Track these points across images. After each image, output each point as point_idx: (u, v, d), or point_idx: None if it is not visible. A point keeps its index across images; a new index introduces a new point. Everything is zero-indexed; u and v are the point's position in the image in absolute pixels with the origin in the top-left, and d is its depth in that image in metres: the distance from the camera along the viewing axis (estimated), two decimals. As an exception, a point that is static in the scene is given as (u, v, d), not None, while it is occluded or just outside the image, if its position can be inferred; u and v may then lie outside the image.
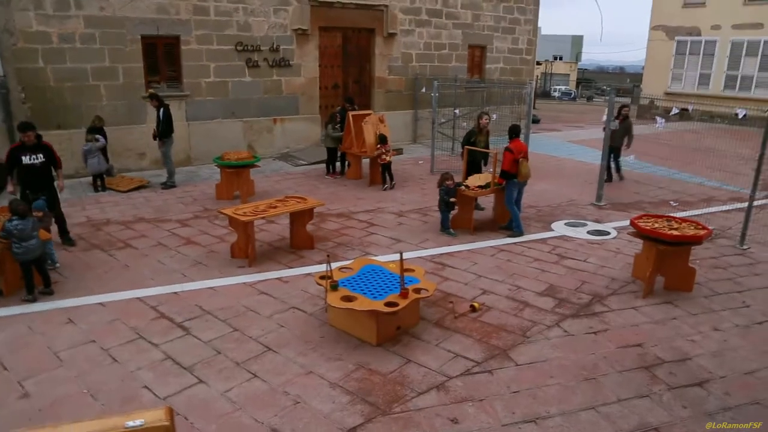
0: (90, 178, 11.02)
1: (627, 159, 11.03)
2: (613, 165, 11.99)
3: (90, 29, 11.46)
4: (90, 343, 5.28)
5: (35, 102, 11.18)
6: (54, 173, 7.59)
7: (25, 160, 7.21)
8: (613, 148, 11.47)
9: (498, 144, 11.51)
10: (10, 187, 7.45)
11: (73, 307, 5.99)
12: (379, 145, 11.10)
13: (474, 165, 9.58)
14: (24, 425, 4.10)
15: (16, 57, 10.87)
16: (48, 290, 6.24)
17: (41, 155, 7.27)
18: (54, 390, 4.55)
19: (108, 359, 5.01)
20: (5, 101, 10.95)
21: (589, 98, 47.62)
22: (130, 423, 2.31)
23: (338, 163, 12.56)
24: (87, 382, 4.66)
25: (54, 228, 7.53)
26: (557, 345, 5.29)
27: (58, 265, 7.04)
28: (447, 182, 8.29)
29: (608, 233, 8.62)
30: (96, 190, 10.81)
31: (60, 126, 11.43)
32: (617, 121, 11.48)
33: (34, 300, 6.06)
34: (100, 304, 6.08)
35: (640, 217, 6.85)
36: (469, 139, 9.79)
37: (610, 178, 11.63)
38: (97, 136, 10.71)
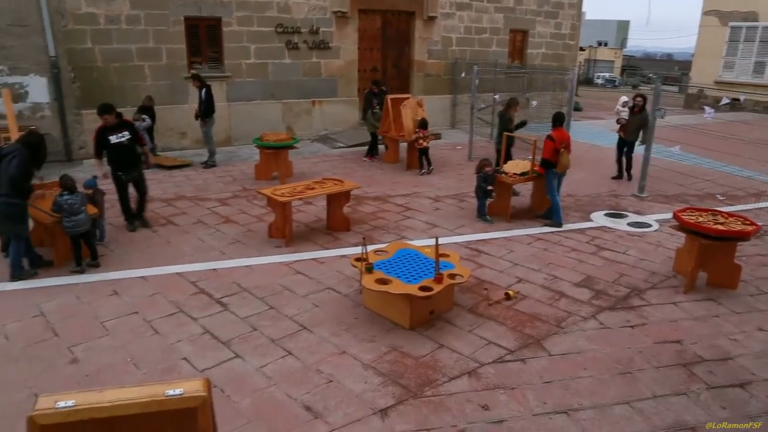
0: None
1: (671, 150, 10.69)
2: (624, 161, 11.21)
3: (135, 11, 11.69)
4: (133, 314, 5.47)
5: (83, 82, 11.50)
6: (139, 150, 7.65)
7: (113, 139, 7.20)
8: (626, 142, 10.99)
9: (538, 131, 11.37)
10: (98, 171, 7.53)
11: (117, 280, 6.21)
12: (417, 130, 11.08)
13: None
14: (72, 389, 4.27)
15: (66, 38, 11.18)
16: (95, 262, 6.47)
17: (126, 133, 7.28)
18: (100, 357, 4.74)
19: (150, 331, 5.18)
20: (56, 81, 11.28)
21: (635, 86, 46.32)
22: (170, 392, 2.39)
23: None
24: (130, 351, 4.83)
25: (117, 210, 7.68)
26: (592, 337, 5.24)
27: (105, 239, 7.28)
28: (486, 168, 8.23)
29: (649, 225, 8.44)
30: (140, 167, 11.09)
31: (106, 104, 11.71)
32: (626, 110, 11.09)
33: (81, 271, 6.30)
34: (142, 277, 6.28)
35: (684, 210, 6.68)
36: (507, 126, 9.68)
37: (620, 175, 11.17)
38: (144, 116, 10.95)
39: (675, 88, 32.61)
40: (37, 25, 10.90)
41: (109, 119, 7.18)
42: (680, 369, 4.77)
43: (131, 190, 7.76)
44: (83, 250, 6.40)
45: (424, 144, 11.08)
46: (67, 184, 6.22)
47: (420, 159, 11.30)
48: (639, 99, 10.68)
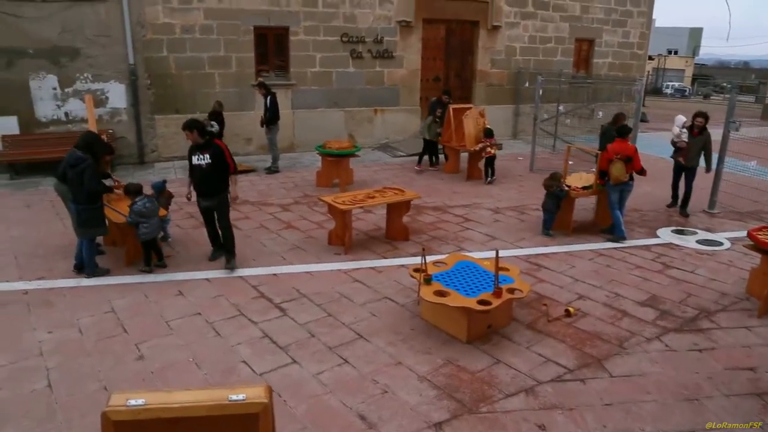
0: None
1: (748, 165, 10.17)
2: (682, 191, 9.60)
3: (209, 21, 12.16)
4: (196, 315, 5.67)
5: (158, 88, 12.06)
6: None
7: (194, 160, 6.53)
8: (685, 169, 9.39)
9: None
10: (187, 191, 6.91)
11: (182, 281, 6.45)
12: (484, 139, 11.04)
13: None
14: (138, 385, 4.50)
15: (144, 47, 11.78)
16: (161, 263, 6.76)
17: (207, 156, 6.43)
18: (164, 355, 4.93)
19: (212, 332, 5.36)
20: (134, 87, 11.88)
21: (706, 95, 44.43)
22: (233, 396, 2.48)
23: (427, 157, 12.43)
24: (193, 351, 5.01)
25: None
26: (656, 359, 5.05)
27: (170, 239, 7.59)
28: (560, 182, 8.11)
29: (720, 244, 8.08)
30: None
31: (178, 111, 12.25)
32: (685, 132, 9.41)
33: (150, 271, 6.59)
34: (206, 279, 6.50)
35: (760, 229, 6.35)
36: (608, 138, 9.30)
37: (674, 203, 9.72)
38: (212, 122, 11.35)
39: (752, 98, 31.09)
40: (119, 35, 11.53)
41: (190, 136, 6.49)
42: (753, 399, 4.52)
43: None
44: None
45: (492, 152, 11.02)
46: (134, 189, 6.55)
47: (486, 168, 11.24)
48: (700, 119, 9.06)
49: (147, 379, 4.58)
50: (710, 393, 4.57)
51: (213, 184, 6.57)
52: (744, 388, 4.66)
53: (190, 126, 6.45)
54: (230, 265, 6.75)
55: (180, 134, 12.21)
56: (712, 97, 42.64)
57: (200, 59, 12.31)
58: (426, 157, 12.42)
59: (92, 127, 8.46)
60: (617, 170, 7.79)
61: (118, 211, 6.89)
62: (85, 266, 6.45)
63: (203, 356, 4.94)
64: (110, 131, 11.67)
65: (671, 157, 9.76)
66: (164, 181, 7.63)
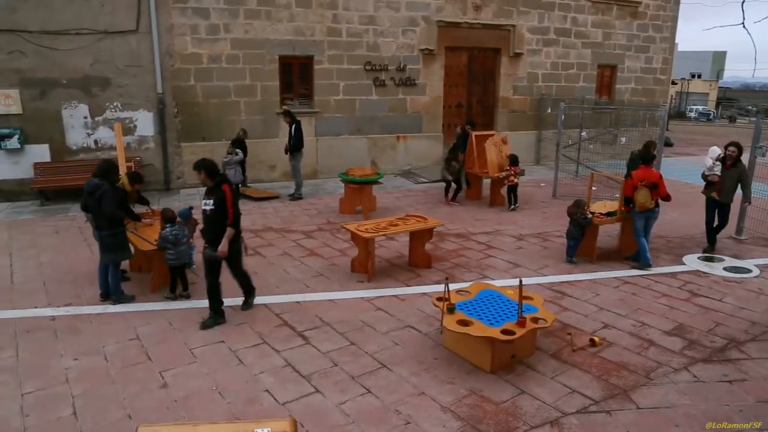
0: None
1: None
2: (717, 227, 8.76)
3: (235, 50, 12.46)
4: (220, 343, 5.71)
5: (185, 116, 12.33)
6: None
7: (202, 204, 6.11)
8: (719, 205, 8.57)
9: (625, 168, 10.97)
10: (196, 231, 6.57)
11: (206, 308, 6.46)
12: (509, 167, 11.03)
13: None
14: (162, 413, 4.53)
15: (173, 76, 12.10)
16: (186, 293, 6.82)
17: (212, 201, 5.90)
18: (188, 383, 4.97)
19: (235, 360, 5.38)
20: (161, 115, 12.17)
21: (731, 119, 43.85)
22: (259, 430, 2.49)
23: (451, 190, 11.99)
24: (216, 379, 5.04)
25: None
26: (685, 391, 4.94)
27: (194, 266, 7.66)
28: (584, 210, 8.06)
29: (749, 271, 7.91)
30: (231, 198, 11.64)
31: (204, 138, 12.51)
32: (718, 164, 8.70)
33: (175, 299, 6.67)
34: (230, 307, 6.54)
35: (789, 258, 6.23)
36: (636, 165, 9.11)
37: (712, 246, 8.74)
38: (237, 150, 11.56)
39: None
40: (149, 65, 11.87)
41: (199, 177, 6.05)
42: (786, 433, 4.40)
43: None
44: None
45: (515, 180, 11.01)
46: (169, 216, 6.63)
47: (509, 195, 11.21)
48: (732, 149, 8.34)
49: (171, 408, 4.61)
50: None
51: (217, 232, 5.94)
52: (777, 422, 4.53)
53: (198, 166, 6.00)
54: (248, 306, 6.52)
55: (206, 162, 12.51)
56: (736, 120, 42.10)
57: (226, 88, 12.58)
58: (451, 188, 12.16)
59: (120, 155, 8.66)
60: (642, 197, 7.71)
61: (143, 237, 7.01)
62: (110, 292, 6.55)
63: (226, 385, 4.96)
64: (138, 158, 11.93)
65: (703, 192, 8.87)
66: (191, 208, 7.74)
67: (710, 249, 8.70)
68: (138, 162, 11.84)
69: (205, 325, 6.03)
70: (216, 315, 6.15)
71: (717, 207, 8.64)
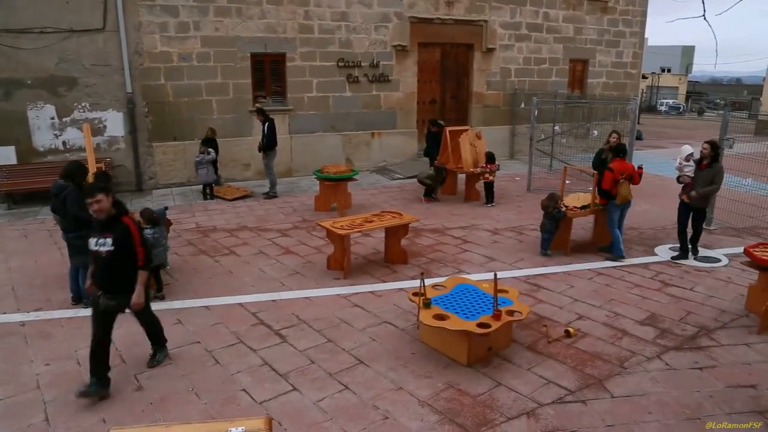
0: (200, 186, 11.78)
1: (743, 181, 10.19)
2: (691, 233, 8.18)
3: (206, 48, 12.30)
4: (195, 343, 5.64)
5: (156, 116, 12.15)
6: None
7: (91, 243, 4.66)
8: (692, 209, 7.98)
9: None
10: (88, 282, 4.91)
11: (181, 309, 6.43)
12: (485, 164, 11.08)
13: None
14: (138, 416, 4.46)
15: (142, 75, 11.89)
16: (160, 295, 6.71)
17: (109, 240, 4.57)
18: (163, 385, 4.90)
19: (211, 360, 5.33)
20: (131, 115, 11.97)
21: (700, 112, 44.74)
22: (233, 429, 2.47)
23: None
24: (192, 380, 4.98)
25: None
26: (657, 379, 5.03)
27: (168, 267, 7.57)
28: (558, 203, 8.13)
29: (718, 260, 8.09)
30: (205, 198, 11.53)
31: (176, 138, 12.35)
32: (691, 165, 8.33)
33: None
34: (205, 307, 6.48)
35: (756, 246, 6.38)
36: (600, 158, 9.43)
37: (684, 254, 8.12)
38: (209, 149, 11.43)
39: (744, 115, 31.31)
40: (117, 64, 11.66)
41: (95, 204, 4.52)
42: (756, 416, 4.50)
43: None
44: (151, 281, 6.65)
45: (491, 178, 11.07)
46: (151, 218, 6.51)
47: (487, 192, 11.27)
48: (705, 147, 7.74)
49: (146, 411, 4.55)
50: (712, 412, 4.55)
51: (116, 278, 4.67)
52: (746, 406, 4.64)
53: (96, 190, 4.56)
54: (156, 362, 5.20)
55: (178, 161, 12.40)
56: (705, 114, 42.96)
57: (197, 86, 12.42)
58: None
59: (90, 156, 8.49)
60: (625, 190, 7.84)
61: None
62: (82, 296, 6.43)
63: (203, 385, 4.90)
64: (108, 159, 11.73)
65: (679, 195, 8.24)
66: (166, 208, 7.64)
67: (682, 256, 8.11)
68: (109, 163, 11.64)
69: (84, 394, 4.56)
70: (99, 383, 4.64)
71: (690, 211, 8.03)
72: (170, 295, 6.76)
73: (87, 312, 6.23)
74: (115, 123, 11.98)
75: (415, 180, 12.45)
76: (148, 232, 6.41)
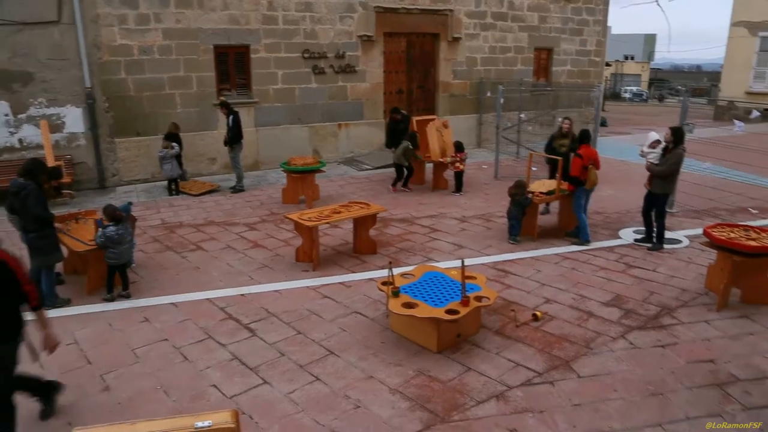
0: (165, 182, 11.59)
1: (702, 164, 10.46)
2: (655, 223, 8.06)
3: (167, 41, 12.05)
4: (163, 341, 5.56)
5: (117, 111, 11.87)
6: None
7: None
8: (654, 197, 7.91)
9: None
10: None
11: (148, 306, 6.33)
12: (455, 153, 11.12)
13: (554, 169, 9.26)
14: (105, 417, 4.39)
15: (101, 69, 11.58)
16: (126, 293, 6.58)
17: None
18: (131, 384, 4.82)
19: (179, 357, 5.26)
20: (91, 111, 11.66)
21: (660, 98, 45.67)
22: (199, 423, 2.44)
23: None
24: (160, 378, 4.91)
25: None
26: (622, 358, 5.15)
27: (134, 264, 7.44)
28: (525, 190, 8.22)
29: (679, 242, 8.29)
30: (170, 193, 11.34)
31: (139, 133, 12.09)
32: (655, 152, 8.18)
33: (113, 299, 6.44)
34: (172, 304, 6.39)
35: (715, 226, 6.56)
36: (551, 144, 9.62)
37: (649, 237, 8.15)
38: (173, 144, 11.23)
39: (704, 101, 32.06)
40: (74, 58, 11.32)
41: None
42: (714, 390, 4.66)
43: None
44: (116, 279, 6.54)
45: (461, 167, 11.12)
46: (114, 215, 6.35)
47: (457, 181, 11.33)
48: (667, 133, 7.76)
49: (114, 411, 4.48)
50: (674, 387, 4.68)
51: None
52: (705, 379, 4.79)
53: None
54: (47, 415, 4.38)
55: (141, 156, 12.19)
56: (666, 100, 43.85)
57: (160, 80, 12.17)
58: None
59: (48, 154, 8.29)
60: (594, 175, 8.00)
61: (76, 238, 6.74)
62: (44, 297, 6.27)
63: (172, 383, 4.85)
64: (68, 156, 11.44)
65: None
66: (130, 204, 7.49)
67: (647, 239, 8.18)
68: (69, 160, 11.35)
69: (46, 413, 4.36)
70: (48, 397, 4.36)
71: (651, 200, 7.98)
72: (136, 293, 6.65)
73: (50, 313, 6.10)
74: (74, 119, 11.67)
75: (383, 170, 12.46)
76: (111, 229, 6.28)
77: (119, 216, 6.37)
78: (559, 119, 13.32)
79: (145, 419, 2.53)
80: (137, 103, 12.04)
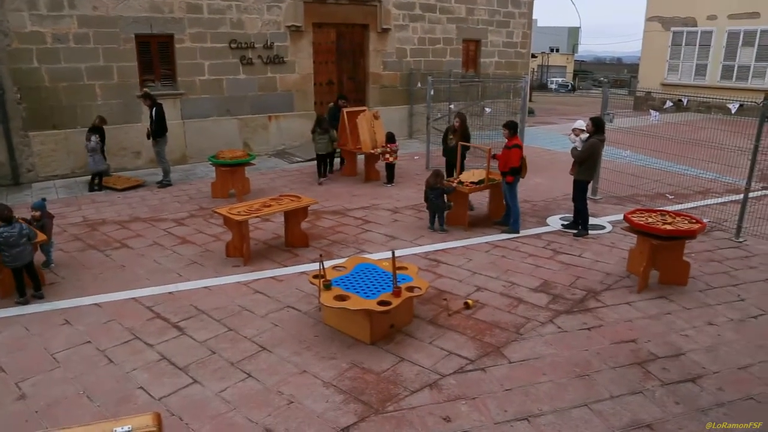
0: (87, 177, 11.04)
1: (623, 153, 10.92)
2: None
3: (84, 29, 11.43)
4: (86, 344, 5.31)
5: (30, 102, 11.17)
6: None
7: None
8: (575, 183, 8.25)
9: (493, 139, 11.55)
10: None
11: (69, 308, 6.02)
12: (385, 144, 11.12)
13: (449, 165, 10.01)
14: (20, 427, 4.14)
15: (10, 58, 10.85)
16: (39, 293, 6.22)
17: None
18: (50, 391, 4.58)
19: (104, 360, 5.04)
20: (1, 103, 10.92)
21: (573, 89, 47.55)
22: (118, 429, 2.33)
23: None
24: (83, 383, 4.69)
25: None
26: (550, 342, 5.32)
27: (53, 265, 7.06)
28: (443, 182, 8.31)
29: (603, 227, 8.64)
30: (92, 189, 10.80)
31: (55, 126, 11.44)
32: (575, 140, 8.49)
33: (26, 302, 6.08)
34: (96, 304, 6.11)
35: (634, 212, 6.87)
36: (445, 140, 10.19)
37: (574, 224, 8.47)
38: (92, 136, 10.69)
39: (624, 91, 33.54)
40: (-22, 46, 10.56)
41: None
42: (636, 368, 4.89)
43: None
44: (26, 280, 6.15)
45: (391, 159, 11.14)
46: (3, 215, 5.90)
47: (388, 172, 11.34)
48: (588, 123, 8.17)
49: (31, 420, 4.23)
50: (599, 367, 4.88)
51: None
52: (628, 359, 5.02)
53: None
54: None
55: (59, 151, 11.55)
56: (591, 91, 45.58)
57: (77, 70, 11.54)
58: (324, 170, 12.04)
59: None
60: (526, 164, 8.26)
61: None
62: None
63: (95, 387, 4.63)
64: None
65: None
66: (44, 200, 7.07)
67: (573, 225, 8.49)
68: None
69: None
70: None
71: (578, 187, 8.26)
72: (56, 295, 6.31)
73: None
74: (-18, 112, 10.91)
75: (314, 163, 12.27)
76: (0, 230, 5.84)
77: (8, 216, 5.93)
78: (487, 110, 13.66)
79: (59, 427, 2.39)
80: (53, 94, 11.38)
